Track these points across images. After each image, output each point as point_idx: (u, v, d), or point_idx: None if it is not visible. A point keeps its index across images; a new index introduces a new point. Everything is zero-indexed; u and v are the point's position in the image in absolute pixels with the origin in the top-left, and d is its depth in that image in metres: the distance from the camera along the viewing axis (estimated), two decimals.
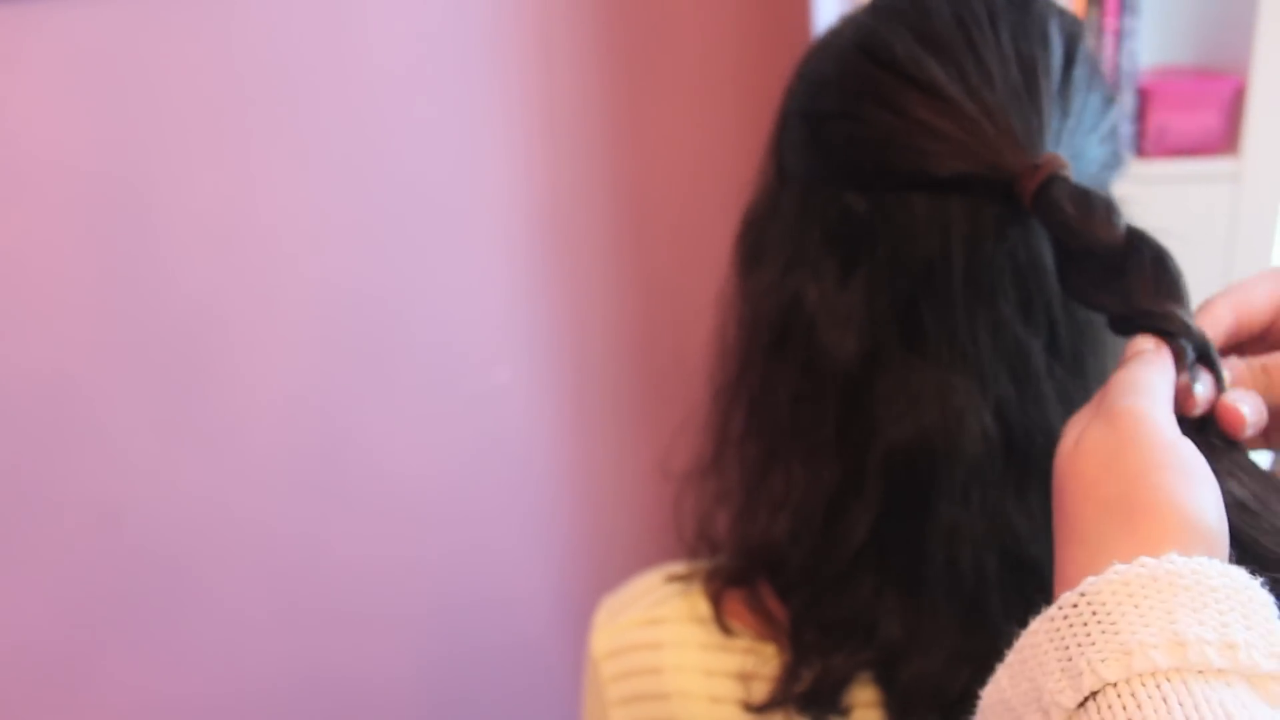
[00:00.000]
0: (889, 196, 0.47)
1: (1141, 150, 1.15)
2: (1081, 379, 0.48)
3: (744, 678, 0.54)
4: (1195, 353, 0.39)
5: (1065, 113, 0.45)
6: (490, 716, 1.52)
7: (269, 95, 1.20)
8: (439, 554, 1.43)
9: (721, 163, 1.35)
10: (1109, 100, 0.48)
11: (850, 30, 0.50)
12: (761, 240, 0.53)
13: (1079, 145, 0.46)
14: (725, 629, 0.55)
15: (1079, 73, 0.47)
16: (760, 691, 0.53)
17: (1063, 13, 0.49)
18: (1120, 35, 1.11)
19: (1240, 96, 1.10)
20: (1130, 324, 0.40)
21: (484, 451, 1.41)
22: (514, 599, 1.49)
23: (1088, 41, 0.48)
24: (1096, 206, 0.40)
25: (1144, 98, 1.13)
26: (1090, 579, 0.31)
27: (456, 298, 1.34)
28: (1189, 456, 0.34)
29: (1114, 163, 0.49)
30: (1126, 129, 1.14)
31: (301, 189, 1.24)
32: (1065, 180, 0.42)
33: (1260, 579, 0.30)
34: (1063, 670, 0.30)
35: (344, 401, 1.33)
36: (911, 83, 0.45)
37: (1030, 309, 0.47)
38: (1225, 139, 1.13)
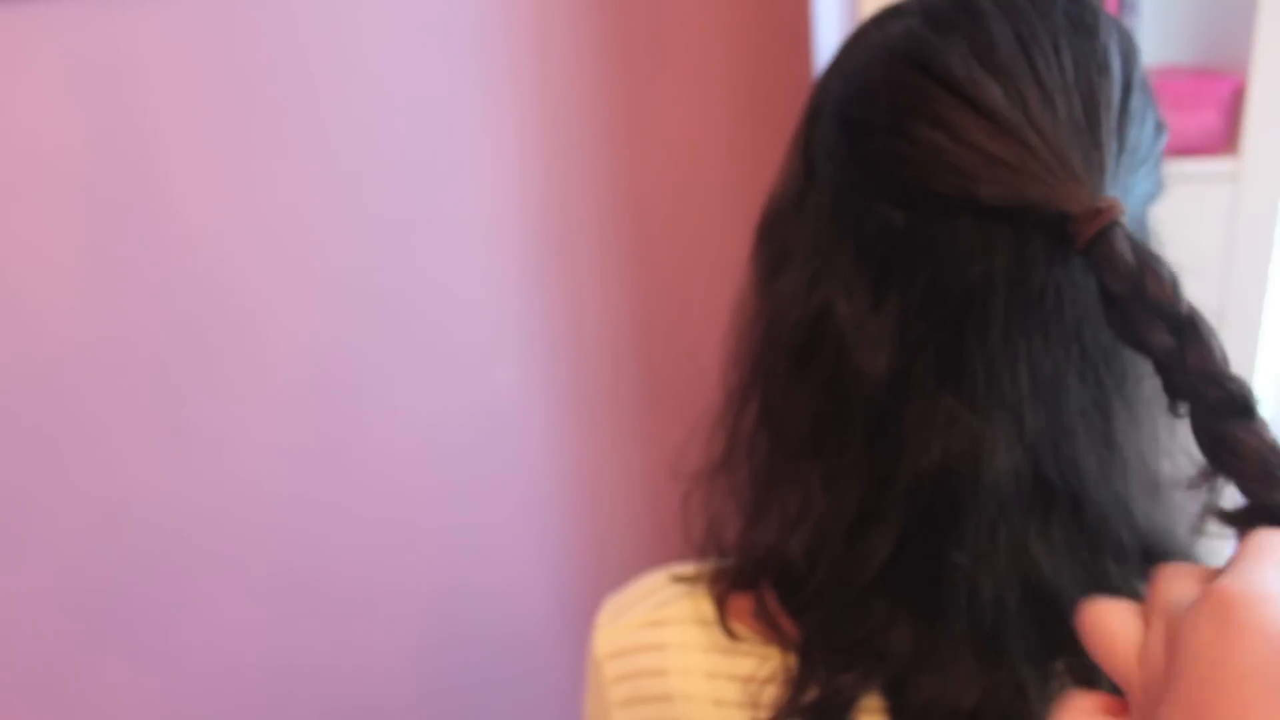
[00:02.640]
0: (932, 219, 0.45)
1: None
2: (1115, 416, 0.47)
3: (748, 682, 0.54)
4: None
5: (1122, 147, 0.43)
6: (489, 715, 1.53)
7: (266, 95, 1.20)
8: (438, 554, 1.43)
9: (721, 160, 1.35)
10: (1160, 127, 0.47)
11: (900, 36, 0.46)
12: (786, 242, 0.51)
13: (1131, 181, 0.44)
14: (730, 633, 0.55)
15: (1136, 101, 0.45)
16: (766, 698, 0.53)
17: (1121, 31, 0.46)
18: None
19: (1240, 96, 1.10)
20: (1179, 381, 0.38)
21: (482, 451, 1.41)
22: (513, 599, 1.49)
23: (1142, 62, 0.46)
24: (1164, 276, 0.38)
25: None
26: None
27: (455, 298, 1.34)
28: None
29: (1156, 193, 0.47)
30: None
31: (300, 190, 1.24)
32: (1124, 229, 0.40)
33: None
34: None
35: (343, 401, 1.33)
36: (968, 104, 0.43)
37: (1069, 345, 0.45)
38: (1224, 139, 1.13)
